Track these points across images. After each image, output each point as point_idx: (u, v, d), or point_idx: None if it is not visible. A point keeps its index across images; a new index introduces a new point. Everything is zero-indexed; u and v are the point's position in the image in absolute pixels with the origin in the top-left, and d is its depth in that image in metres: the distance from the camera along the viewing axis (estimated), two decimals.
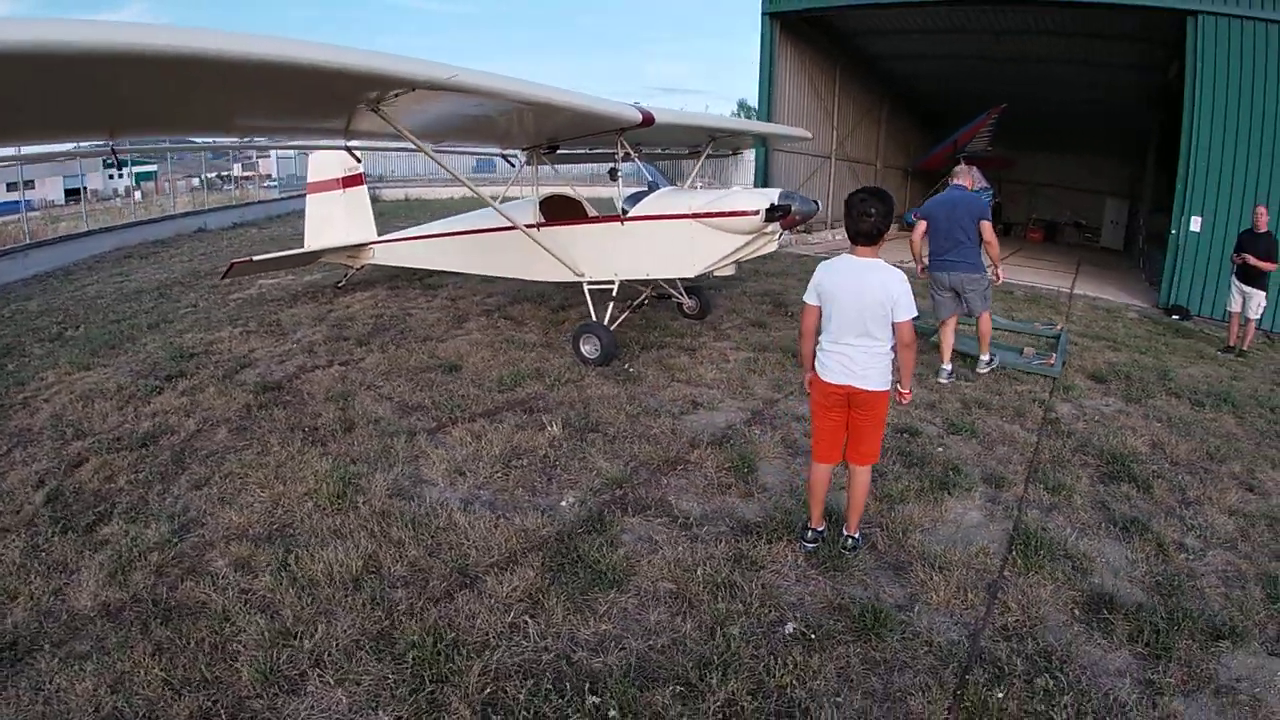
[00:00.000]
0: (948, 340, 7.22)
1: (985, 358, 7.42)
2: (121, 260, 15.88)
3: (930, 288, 7.36)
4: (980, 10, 15.11)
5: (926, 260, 7.38)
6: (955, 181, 7.37)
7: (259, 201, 26.16)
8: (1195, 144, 11.88)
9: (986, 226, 7.07)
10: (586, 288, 7.82)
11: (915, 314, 3.61)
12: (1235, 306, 9.73)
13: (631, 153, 7.81)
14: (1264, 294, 9.47)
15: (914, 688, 2.91)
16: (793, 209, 6.78)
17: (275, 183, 31.69)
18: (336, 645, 3.23)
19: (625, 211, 7.58)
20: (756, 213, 6.76)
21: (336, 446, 5.40)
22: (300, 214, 25.17)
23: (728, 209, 6.95)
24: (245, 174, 39.85)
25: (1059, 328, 9.49)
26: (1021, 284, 14.04)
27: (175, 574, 3.89)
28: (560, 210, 8.30)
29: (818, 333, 3.80)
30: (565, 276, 7.90)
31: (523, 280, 9.62)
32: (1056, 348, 8.37)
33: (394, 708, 2.89)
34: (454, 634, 3.28)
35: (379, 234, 11.05)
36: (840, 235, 20.07)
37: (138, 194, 33.17)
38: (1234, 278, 9.78)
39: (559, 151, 8.48)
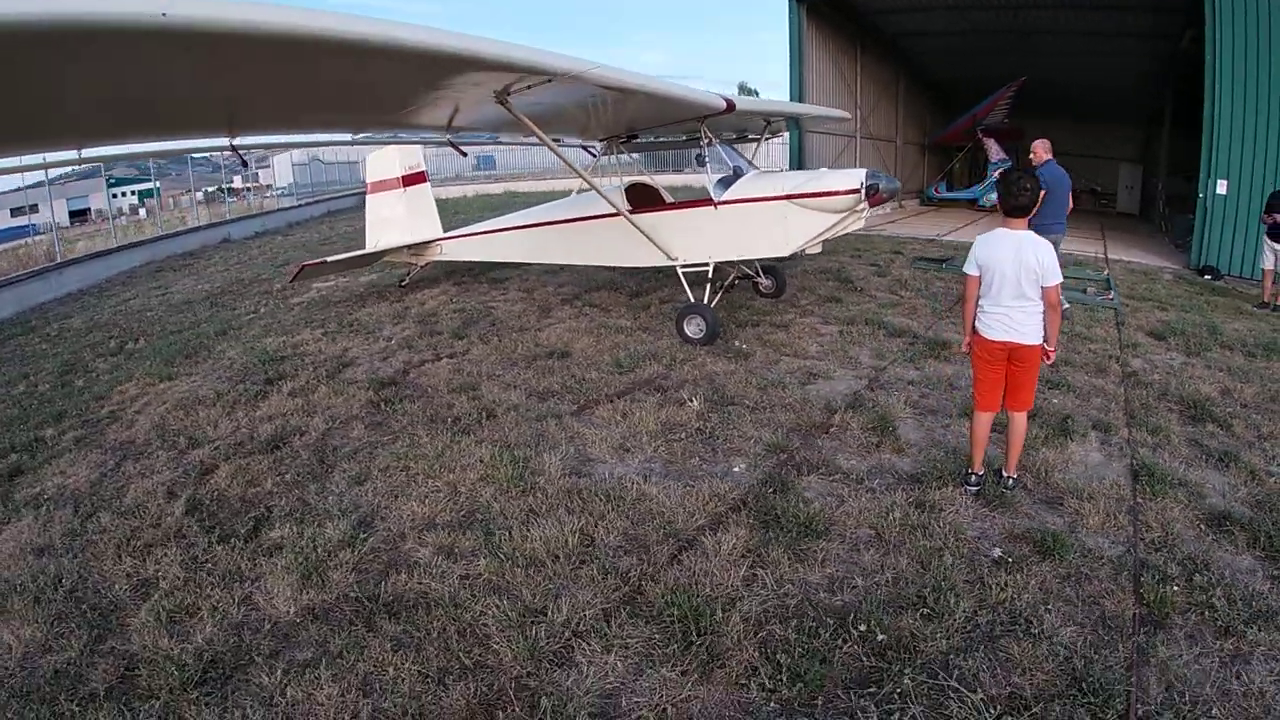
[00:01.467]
0: None
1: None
2: (154, 274, 16.22)
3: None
4: None
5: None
6: (1049, 157, 8.60)
7: (278, 210, 26.83)
8: (1218, 110, 12.53)
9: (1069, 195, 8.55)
10: (680, 271, 8.28)
11: (1060, 280, 4.29)
12: (1269, 264, 10.42)
13: (713, 139, 8.27)
14: None
15: (1102, 593, 3.57)
16: (880, 187, 7.37)
17: (284, 190, 32.19)
18: (589, 614, 3.46)
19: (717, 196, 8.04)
20: (854, 191, 7.27)
21: (487, 433, 5.67)
22: (320, 220, 25.89)
23: (823, 189, 7.47)
24: (246, 185, 40.30)
25: (1106, 273, 11.73)
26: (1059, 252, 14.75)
27: (377, 569, 4.00)
28: (640, 197, 8.65)
29: (977, 298, 4.46)
30: (658, 261, 8.36)
31: (608, 268, 10.13)
32: (1110, 287, 10.39)
33: (674, 663, 3.13)
34: (702, 590, 3.60)
35: (445, 230, 11.34)
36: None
37: (143, 211, 33.68)
38: (1266, 237, 10.47)
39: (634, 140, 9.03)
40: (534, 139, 6.88)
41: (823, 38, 18.33)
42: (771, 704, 2.87)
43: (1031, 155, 8.74)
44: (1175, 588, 3.57)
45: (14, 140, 4.97)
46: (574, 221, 9.19)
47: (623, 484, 4.76)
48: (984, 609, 3.43)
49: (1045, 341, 4.40)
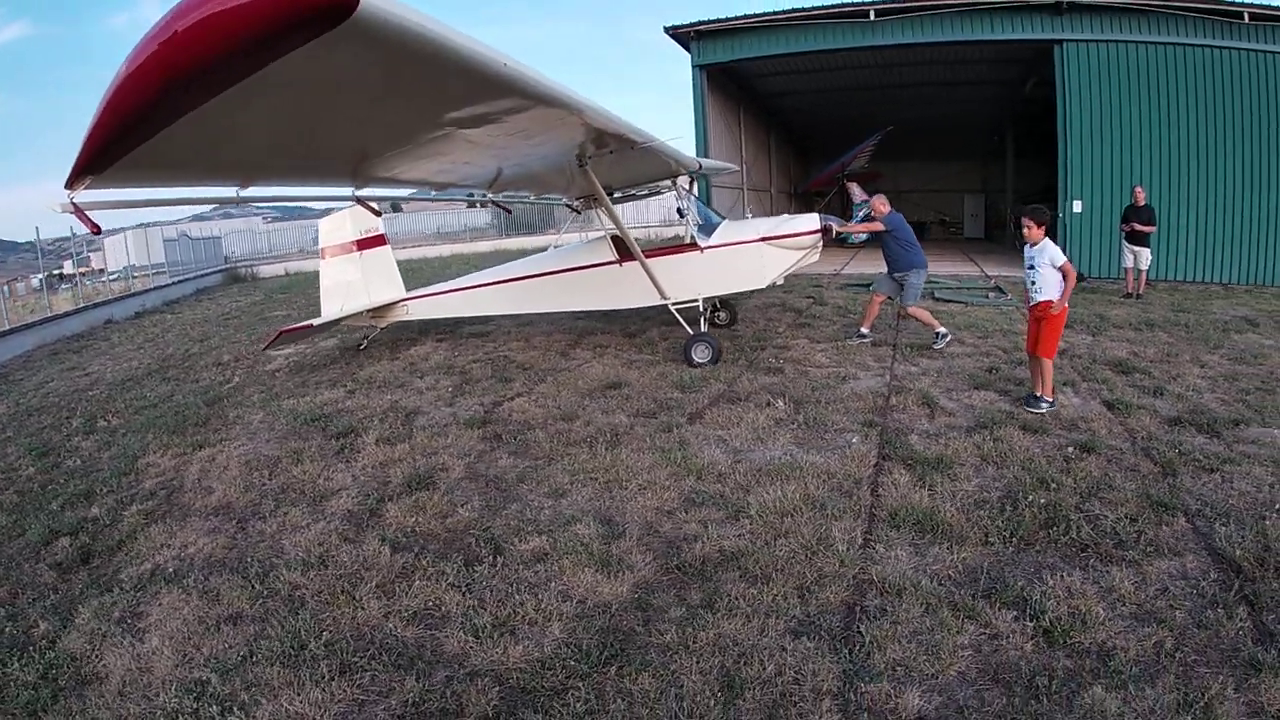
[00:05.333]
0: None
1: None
2: (52, 357, 15.42)
3: (918, 275, 10.40)
4: (874, 52, 19.07)
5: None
6: (887, 209, 10.43)
7: (155, 289, 26.62)
8: (1069, 145, 16.38)
9: None
10: (673, 308, 9.97)
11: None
12: (1129, 263, 14.00)
13: (681, 192, 10.39)
14: (1149, 250, 13.75)
15: (1134, 465, 5.92)
16: (832, 228, 9.97)
17: (118, 274, 31.70)
18: (858, 534, 4.86)
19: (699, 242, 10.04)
20: (817, 231, 9.68)
21: (635, 445, 6.70)
22: (194, 297, 26.52)
23: (793, 231, 9.82)
24: (81, 270, 38.92)
25: (994, 282, 15.32)
26: (944, 274, 17.99)
27: (659, 546, 4.88)
28: (619, 248, 10.16)
29: None
30: (650, 301, 10.05)
31: (600, 311, 11.84)
32: (1004, 292, 13.98)
33: (938, 544, 4.66)
34: (914, 505, 5.19)
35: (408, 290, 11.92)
36: None
37: None
38: (1124, 241, 14.01)
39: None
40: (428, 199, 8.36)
41: (716, 100, 21.32)
42: (1009, 548, 4.75)
43: (873, 211, 10.41)
44: (1172, 454, 6.03)
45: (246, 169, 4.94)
46: (568, 271, 10.62)
47: (786, 460, 6.16)
48: (1078, 481, 5.65)
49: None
